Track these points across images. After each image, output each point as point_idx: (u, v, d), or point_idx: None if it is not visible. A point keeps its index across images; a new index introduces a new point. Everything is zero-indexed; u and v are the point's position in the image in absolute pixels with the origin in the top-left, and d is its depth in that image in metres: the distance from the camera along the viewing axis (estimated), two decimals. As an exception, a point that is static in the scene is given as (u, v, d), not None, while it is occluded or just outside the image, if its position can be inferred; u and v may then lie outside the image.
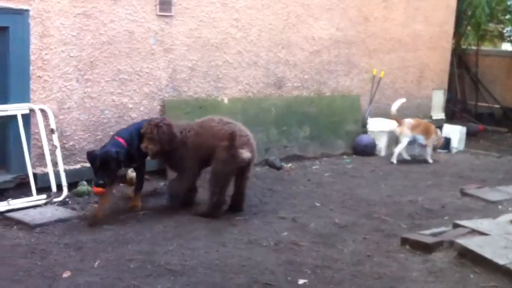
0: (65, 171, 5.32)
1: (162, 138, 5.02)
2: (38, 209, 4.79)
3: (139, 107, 6.08)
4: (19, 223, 4.59)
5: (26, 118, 5.17)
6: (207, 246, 4.42)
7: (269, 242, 4.57)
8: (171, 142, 5.08)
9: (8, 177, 5.11)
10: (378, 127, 8.06)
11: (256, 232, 4.78)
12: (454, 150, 8.65)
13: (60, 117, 5.45)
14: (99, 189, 4.65)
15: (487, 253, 4.18)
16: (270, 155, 7.08)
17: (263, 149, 7.04)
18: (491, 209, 5.61)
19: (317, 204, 5.66)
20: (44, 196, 5.05)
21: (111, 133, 5.78)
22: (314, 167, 7.19)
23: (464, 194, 6.13)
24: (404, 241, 4.57)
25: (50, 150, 5.27)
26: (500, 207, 5.68)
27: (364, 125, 8.17)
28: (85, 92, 5.63)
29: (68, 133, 5.55)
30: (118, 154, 4.73)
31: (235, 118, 6.80)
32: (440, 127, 8.61)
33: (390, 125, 7.94)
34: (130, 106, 6.01)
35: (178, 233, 4.67)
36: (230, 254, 4.30)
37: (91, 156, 4.73)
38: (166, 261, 4.06)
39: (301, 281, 3.89)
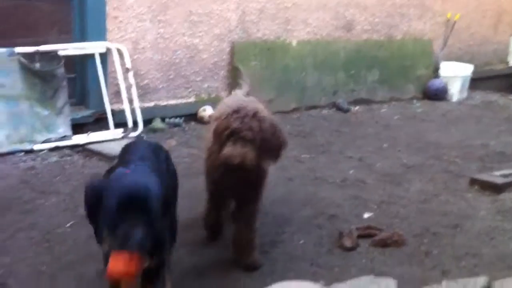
0: (140, 108, 5.55)
1: (267, 138, 2.88)
2: (116, 142, 5.04)
3: (209, 48, 6.19)
4: (99, 154, 4.87)
5: (103, 57, 5.40)
6: (274, 181, 4.55)
7: (335, 179, 4.64)
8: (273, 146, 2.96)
9: (87, 112, 5.39)
10: (451, 72, 7.84)
11: (323, 170, 4.86)
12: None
13: (135, 56, 5.65)
14: (120, 265, 2.02)
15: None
16: (338, 98, 7.07)
17: (331, 92, 7.05)
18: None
19: (385, 146, 5.65)
20: (121, 130, 5.31)
21: (183, 73, 6.01)
22: (382, 111, 7.12)
23: None
24: (473, 181, 4.53)
25: (126, 88, 5.50)
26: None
27: (436, 69, 7.97)
28: (158, 33, 5.78)
29: (142, 72, 5.76)
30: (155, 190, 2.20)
31: (303, 61, 6.87)
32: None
33: (462, 69, 7.70)
34: (201, 47, 6.12)
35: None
36: (297, 189, 4.41)
37: (93, 190, 2.28)
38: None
39: (366, 215, 3.97)
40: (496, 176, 4.54)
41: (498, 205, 4.15)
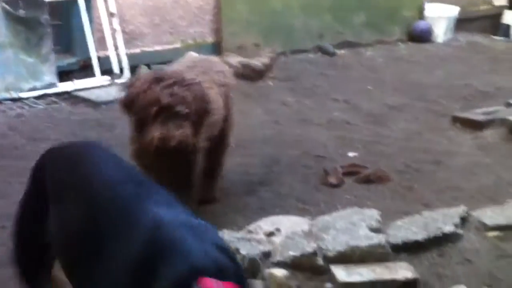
0: (126, 54, 5.53)
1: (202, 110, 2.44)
2: (103, 89, 5.06)
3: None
4: (86, 100, 4.90)
5: (88, 2, 5.34)
6: (262, 124, 4.63)
7: (321, 120, 4.72)
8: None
9: (73, 60, 5.38)
10: (436, 13, 7.83)
11: (309, 112, 4.93)
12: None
13: (120, 1, 5.59)
14: None
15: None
16: (324, 42, 7.07)
17: (317, 35, 7.04)
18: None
19: (370, 88, 5.71)
20: (107, 77, 5.32)
21: (169, 18, 5.96)
22: (368, 53, 7.13)
23: (521, 77, 6.05)
24: (455, 119, 4.64)
25: (111, 34, 5.47)
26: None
27: (421, 11, 7.94)
28: (141, -23, 5.72)
29: (127, 18, 5.71)
30: None
31: (289, 4, 6.83)
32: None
33: (448, 10, 7.69)
34: (185, -9, 6.07)
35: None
36: (283, 131, 4.50)
37: None
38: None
39: (351, 154, 4.07)
40: (478, 114, 4.65)
41: (479, 142, 4.27)
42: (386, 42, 7.61)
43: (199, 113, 2.33)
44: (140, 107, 2.26)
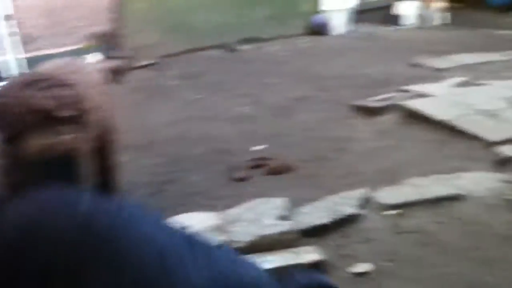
0: (25, 58, 5.32)
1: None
2: None
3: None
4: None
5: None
6: (167, 123, 4.60)
7: (226, 116, 4.77)
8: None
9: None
10: (334, 6, 8.11)
11: (214, 108, 4.96)
12: (405, 27, 8.82)
13: (16, 3, 5.35)
14: None
15: (430, 111, 4.47)
16: (226, 38, 7.14)
17: (218, 31, 7.08)
18: (438, 76, 5.88)
19: (273, 81, 5.84)
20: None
21: (66, 20, 5.77)
22: (270, 48, 7.29)
23: (413, 64, 6.39)
24: (354, 108, 4.84)
25: (8, 36, 5.23)
26: (446, 74, 5.95)
27: (318, 4, 8.21)
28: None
29: (24, 20, 5.48)
30: None
31: (191, 1, 6.82)
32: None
33: (344, 3, 8.00)
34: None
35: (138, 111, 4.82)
36: (190, 128, 4.50)
37: None
38: (132, 138, 4.23)
39: (257, 147, 4.14)
40: (376, 101, 4.87)
41: (377, 127, 4.47)
42: (288, 36, 7.81)
43: (82, 114, 2.13)
44: (12, 116, 2.04)
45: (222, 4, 7.13)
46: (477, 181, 3.31)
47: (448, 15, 9.41)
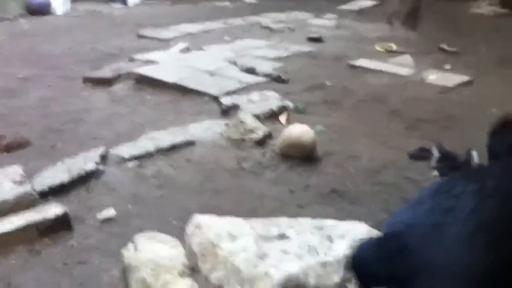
0: None
1: None
2: None
3: None
4: None
5: None
6: None
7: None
8: None
9: None
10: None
11: None
12: (130, 4, 9.02)
13: None
14: None
15: (160, 76, 4.75)
16: None
17: None
18: (165, 45, 6.21)
19: (-4, 64, 5.51)
20: None
21: None
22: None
23: (140, 36, 6.62)
24: (86, 80, 4.87)
25: None
26: (172, 42, 6.31)
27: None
28: None
29: None
30: None
31: None
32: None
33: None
34: None
35: None
36: None
37: None
38: None
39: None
40: (106, 71, 4.97)
41: (111, 96, 4.59)
42: (6, 18, 7.36)
43: None
44: None
45: None
46: (206, 128, 3.68)
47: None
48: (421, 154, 3.32)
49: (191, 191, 2.88)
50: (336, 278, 1.61)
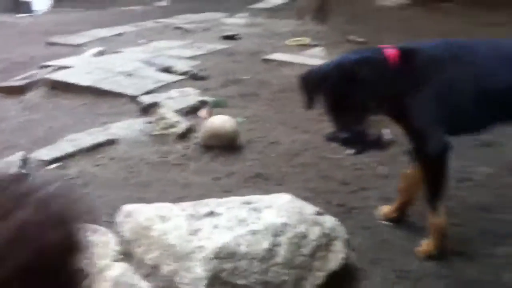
0: None
1: None
2: None
3: None
4: None
5: None
6: None
7: None
8: None
9: None
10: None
11: None
12: (38, 12, 8.78)
13: None
14: None
15: (74, 80, 4.67)
16: None
17: None
18: (77, 51, 6.09)
19: None
20: None
21: None
22: None
23: (51, 44, 6.47)
24: (-1, 89, 4.72)
25: None
26: (85, 48, 6.20)
27: None
28: None
29: None
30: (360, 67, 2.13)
31: None
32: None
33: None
34: None
35: None
36: None
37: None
38: None
39: None
40: (18, 80, 4.83)
41: (25, 104, 4.46)
42: None
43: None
44: None
45: None
46: (127, 127, 3.68)
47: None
48: (336, 136, 3.48)
49: (116, 187, 2.88)
50: (265, 244, 1.69)
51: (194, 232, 1.75)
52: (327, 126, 3.70)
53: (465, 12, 7.46)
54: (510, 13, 6.82)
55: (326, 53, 5.77)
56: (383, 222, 2.53)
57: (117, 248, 1.88)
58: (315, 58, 5.60)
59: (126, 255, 1.88)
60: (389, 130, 3.37)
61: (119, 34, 6.97)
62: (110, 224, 2.13)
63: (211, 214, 1.87)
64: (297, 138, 3.54)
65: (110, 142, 3.41)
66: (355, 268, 2.04)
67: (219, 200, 2.01)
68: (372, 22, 7.39)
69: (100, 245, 1.91)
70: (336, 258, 1.85)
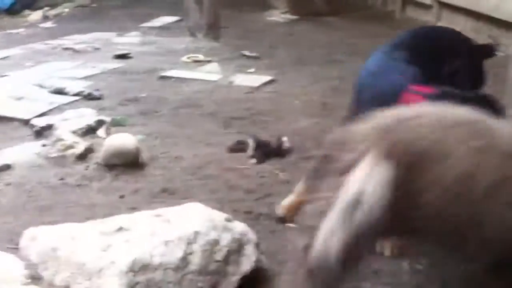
0: None
1: None
2: None
3: None
4: None
5: None
6: None
7: None
8: None
9: None
10: None
11: None
12: None
13: None
14: None
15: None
16: None
17: None
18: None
19: None
20: None
21: None
22: None
23: None
24: None
25: None
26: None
27: None
28: None
29: None
30: None
31: None
32: None
33: None
34: None
35: None
36: None
37: None
38: None
39: None
40: None
41: None
42: None
43: None
44: None
45: None
46: (21, 151, 3.54)
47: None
48: (239, 147, 3.57)
49: (17, 213, 2.77)
50: (179, 253, 1.72)
51: (106, 247, 1.73)
52: (230, 139, 3.82)
53: (349, 26, 7.90)
54: (389, 25, 7.31)
55: (221, 68, 5.87)
56: (289, 225, 2.62)
57: (25, 272, 1.82)
58: (212, 73, 5.69)
59: (34, 279, 1.82)
60: (286, 138, 3.54)
61: (4, 58, 6.67)
62: (15, 250, 2.06)
63: (121, 229, 1.86)
64: (200, 151, 3.58)
65: (5, 168, 3.27)
66: (266, 270, 2.10)
67: (129, 215, 2.01)
68: (263, 37, 7.61)
69: (5, 271, 1.84)
70: (248, 261, 1.90)
